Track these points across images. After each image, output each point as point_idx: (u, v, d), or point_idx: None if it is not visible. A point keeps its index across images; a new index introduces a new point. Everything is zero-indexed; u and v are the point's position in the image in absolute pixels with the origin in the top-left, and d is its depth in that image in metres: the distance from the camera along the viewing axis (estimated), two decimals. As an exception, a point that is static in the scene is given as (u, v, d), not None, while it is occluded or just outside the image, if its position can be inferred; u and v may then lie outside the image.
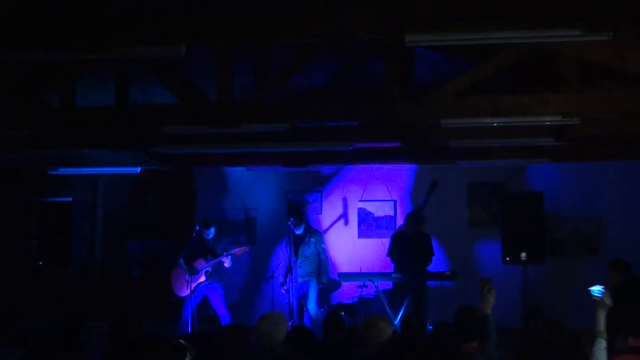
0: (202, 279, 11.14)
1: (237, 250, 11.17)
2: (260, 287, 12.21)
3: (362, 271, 11.49)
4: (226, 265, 11.15)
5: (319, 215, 12.40)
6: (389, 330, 6.03)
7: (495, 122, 8.25)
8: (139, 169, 11.74)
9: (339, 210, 12.43)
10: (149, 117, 8.53)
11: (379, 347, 5.88)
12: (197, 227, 11.48)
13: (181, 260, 11.26)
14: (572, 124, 8.32)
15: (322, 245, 11.52)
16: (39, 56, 6.26)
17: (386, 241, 11.61)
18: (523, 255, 9.95)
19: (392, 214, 12.31)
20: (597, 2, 5.30)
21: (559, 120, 7.98)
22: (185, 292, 11.13)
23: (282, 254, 11.54)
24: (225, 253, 11.09)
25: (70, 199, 11.20)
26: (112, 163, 11.45)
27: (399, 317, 10.53)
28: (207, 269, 11.13)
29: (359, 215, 12.37)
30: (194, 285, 11.06)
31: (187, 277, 11.05)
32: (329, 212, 12.43)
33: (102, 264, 13.01)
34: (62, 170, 11.53)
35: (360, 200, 12.34)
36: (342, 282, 11.52)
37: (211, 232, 11.27)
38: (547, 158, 10.77)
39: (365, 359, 6.06)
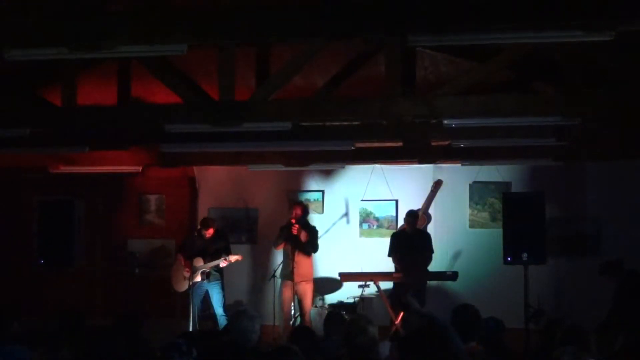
0: (198, 278, 11.14)
1: (231, 259, 11.12)
2: (261, 287, 12.19)
3: (363, 271, 11.48)
4: (221, 265, 11.14)
5: (321, 215, 12.40)
6: (373, 332, 5.89)
7: (495, 122, 8.26)
8: (140, 168, 11.75)
9: (340, 209, 12.43)
10: (151, 116, 8.55)
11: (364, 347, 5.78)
12: (199, 227, 11.49)
13: (180, 257, 11.31)
14: (572, 124, 8.34)
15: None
16: (41, 55, 6.28)
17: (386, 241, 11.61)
18: (524, 255, 9.95)
19: (394, 214, 12.32)
20: (597, 2, 5.31)
21: (559, 120, 8.00)
22: (183, 289, 11.15)
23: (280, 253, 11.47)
24: (223, 257, 11.08)
25: (72, 198, 11.21)
26: (113, 162, 11.46)
27: (399, 317, 10.53)
28: (204, 269, 11.15)
29: (360, 215, 12.38)
30: (190, 283, 11.07)
31: (185, 274, 11.10)
32: (330, 211, 12.43)
33: (103, 263, 13.03)
34: (64, 169, 11.54)
35: (362, 200, 12.34)
36: (343, 282, 11.51)
37: (209, 233, 11.26)
38: (548, 158, 10.78)
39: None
